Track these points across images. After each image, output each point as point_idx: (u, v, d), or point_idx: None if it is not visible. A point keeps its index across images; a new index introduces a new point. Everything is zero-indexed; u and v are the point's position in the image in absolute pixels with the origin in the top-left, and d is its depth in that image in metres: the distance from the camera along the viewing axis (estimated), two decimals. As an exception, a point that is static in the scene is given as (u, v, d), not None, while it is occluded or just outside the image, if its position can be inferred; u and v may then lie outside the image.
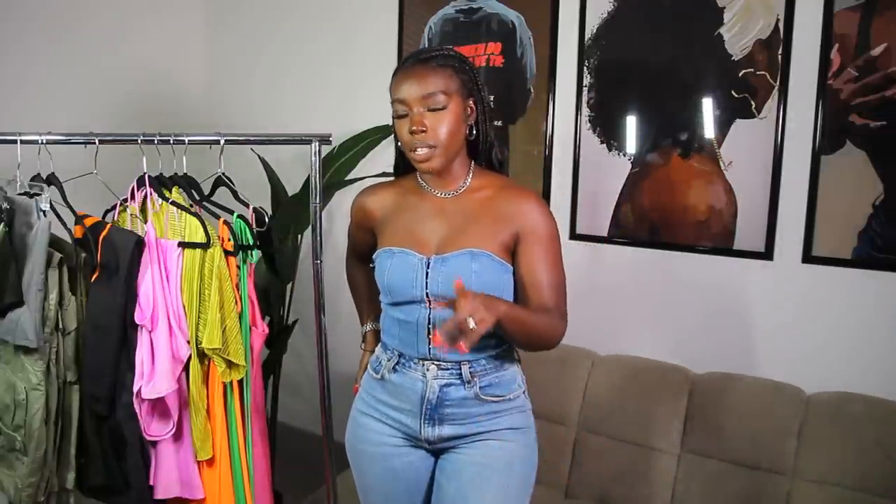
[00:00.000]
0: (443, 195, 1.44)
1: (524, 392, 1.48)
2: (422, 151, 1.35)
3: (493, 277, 1.37)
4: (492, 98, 1.48)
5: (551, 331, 1.35)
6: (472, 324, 1.16)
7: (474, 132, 1.42)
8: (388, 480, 1.49)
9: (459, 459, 1.42)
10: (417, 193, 1.47)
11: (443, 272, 1.36)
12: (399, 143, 1.44)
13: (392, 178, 1.58)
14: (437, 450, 1.46)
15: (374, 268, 1.47)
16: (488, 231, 1.38)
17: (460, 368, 1.39)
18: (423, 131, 1.34)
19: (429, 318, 1.39)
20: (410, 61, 1.39)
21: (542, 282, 1.36)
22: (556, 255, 1.38)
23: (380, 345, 1.52)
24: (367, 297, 1.67)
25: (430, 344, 1.40)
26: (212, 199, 1.83)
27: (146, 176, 1.74)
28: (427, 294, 1.38)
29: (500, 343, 1.42)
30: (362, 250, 1.62)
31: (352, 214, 1.59)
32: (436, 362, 1.40)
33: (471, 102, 1.40)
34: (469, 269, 1.35)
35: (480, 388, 1.39)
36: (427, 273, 1.37)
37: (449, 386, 1.39)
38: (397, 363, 1.44)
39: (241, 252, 1.75)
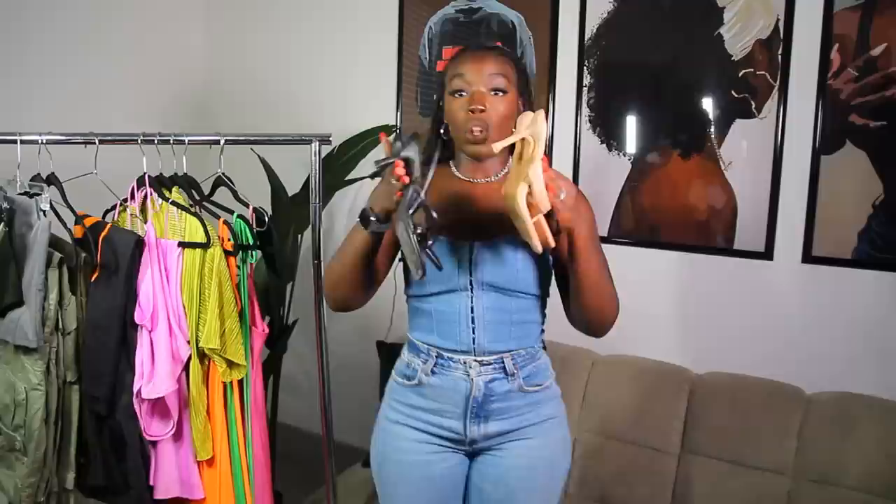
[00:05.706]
0: (480, 181, 1.41)
1: (555, 379, 1.47)
2: (478, 131, 1.30)
3: (538, 264, 1.37)
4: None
5: (613, 299, 1.35)
6: (562, 194, 1.14)
7: None
8: (424, 489, 1.44)
9: (503, 464, 1.40)
10: (451, 180, 1.42)
11: (488, 258, 1.34)
12: (442, 130, 1.39)
13: None
14: (475, 451, 1.43)
15: (402, 260, 1.39)
16: None
17: (503, 362, 1.37)
18: (482, 110, 1.29)
19: (472, 308, 1.36)
20: (474, 46, 1.39)
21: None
22: (597, 238, 1.37)
23: (407, 349, 1.47)
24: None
25: (473, 333, 1.36)
26: (212, 199, 1.83)
27: (146, 176, 1.74)
28: (471, 282, 1.35)
29: (539, 331, 1.44)
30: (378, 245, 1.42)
31: None
32: (477, 358, 1.36)
33: (520, 102, 1.38)
34: (514, 255, 1.34)
35: (523, 378, 1.38)
36: (471, 259, 1.35)
37: (493, 381, 1.37)
38: (435, 364, 1.39)
39: (241, 252, 1.75)
